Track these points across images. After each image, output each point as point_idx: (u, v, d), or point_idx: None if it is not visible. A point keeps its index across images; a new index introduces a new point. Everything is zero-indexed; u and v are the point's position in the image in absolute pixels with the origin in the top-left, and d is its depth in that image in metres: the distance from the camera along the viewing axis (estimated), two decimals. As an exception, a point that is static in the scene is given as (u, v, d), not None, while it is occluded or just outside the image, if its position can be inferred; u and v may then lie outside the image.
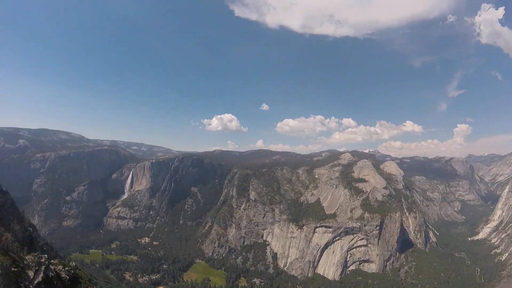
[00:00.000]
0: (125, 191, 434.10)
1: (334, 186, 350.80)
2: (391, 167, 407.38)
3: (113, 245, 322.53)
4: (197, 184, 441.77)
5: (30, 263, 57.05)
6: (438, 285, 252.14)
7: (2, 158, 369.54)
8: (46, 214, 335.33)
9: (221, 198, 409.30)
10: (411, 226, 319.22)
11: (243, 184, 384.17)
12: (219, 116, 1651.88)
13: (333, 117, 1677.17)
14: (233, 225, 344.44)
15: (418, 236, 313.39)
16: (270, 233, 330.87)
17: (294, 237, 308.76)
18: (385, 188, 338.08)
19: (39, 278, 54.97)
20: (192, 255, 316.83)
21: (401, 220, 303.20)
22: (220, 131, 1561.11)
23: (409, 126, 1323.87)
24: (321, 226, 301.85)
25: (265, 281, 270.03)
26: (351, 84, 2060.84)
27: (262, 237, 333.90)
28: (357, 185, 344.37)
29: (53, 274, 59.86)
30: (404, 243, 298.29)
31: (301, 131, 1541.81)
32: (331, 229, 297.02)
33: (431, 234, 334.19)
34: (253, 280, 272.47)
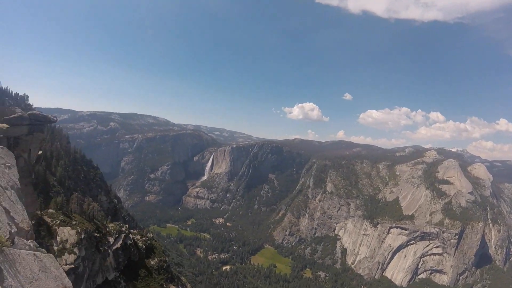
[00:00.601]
0: (205, 173, 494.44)
1: (416, 185, 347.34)
2: (479, 171, 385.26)
3: (189, 222, 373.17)
4: (274, 171, 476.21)
5: (112, 231, 72.51)
6: None
7: (95, 138, 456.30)
8: (131, 189, 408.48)
9: (297, 187, 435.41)
10: (493, 240, 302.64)
11: (320, 175, 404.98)
12: (300, 104, 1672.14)
13: (419, 110, 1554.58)
14: (306, 215, 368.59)
15: (499, 252, 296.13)
16: (343, 228, 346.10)
17: (366, 235, 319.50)
18: (471, 193, 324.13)
19: (118, 245, 70.69)
20: (262, 240, 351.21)
21: (484, 231, 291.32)
22: (300, 119, 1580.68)
23: (503, 124, 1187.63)
24: (397, 227, 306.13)
25: (330, 275, 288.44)
26: (440, 74, 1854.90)
27: (334, 230, 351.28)
28: (440, 186, 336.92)
29: (131, 242, 75.77)
30: (483, 258, 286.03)
31: (385, 124, 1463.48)
32: (406, 232, 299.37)
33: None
34: (318, 272, 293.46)
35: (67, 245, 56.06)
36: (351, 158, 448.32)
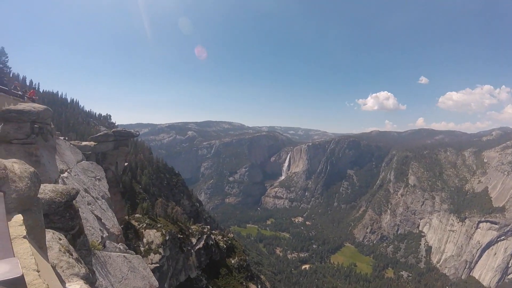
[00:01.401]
0: (283, 172, 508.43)
1: (506, 172, 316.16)
2: None
3: (268, 222, 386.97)
4: (353, 166, 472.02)
5: (194, 232, 78.20)
6: None
7: (174, 147, 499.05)
8: (211, 192, 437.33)
9: (377, 181, 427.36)
10: None
11: (401, 168, 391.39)
12: (374, 94, 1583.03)
13: (503, 86, 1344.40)
14: (388, 211, 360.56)
15: None
16: (427, 224, 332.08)
17: (453, 231, 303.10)
18: None
19: (200, 245, 76.19)
20: (343, 238, 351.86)
21: None
22: (376, 110, 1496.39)
23: None
24: (486, 221, 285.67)
25: (414, 275, 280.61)
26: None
27: (418, 227, 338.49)
28: None
29: (212, 242, 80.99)
30: None
31: (467, 105, 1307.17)
32: (497, 226, 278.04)
33: None
34: (401, 272, 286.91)
35: (153, 246, 62.48)
36: (433, 147, 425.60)
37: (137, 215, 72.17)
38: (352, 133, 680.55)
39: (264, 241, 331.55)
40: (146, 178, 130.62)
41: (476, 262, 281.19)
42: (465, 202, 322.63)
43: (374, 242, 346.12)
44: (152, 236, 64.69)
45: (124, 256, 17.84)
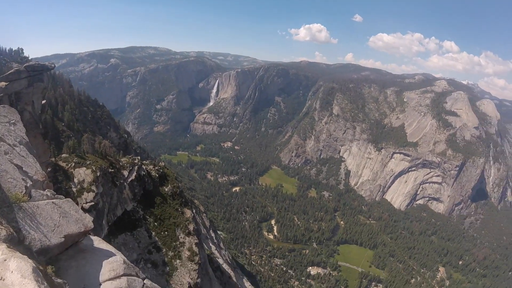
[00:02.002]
0: (211, 99, 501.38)
1: (422, 113, 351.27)
2: (488, 107, 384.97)
3: (198, 148, 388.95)
4: (281, 94, 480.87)
5: (125, 164, 75.07)
6: (496, 247, 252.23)
7: (96, 77, 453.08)
8: (139, 122, 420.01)
9: (303, 109, 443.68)
10: (491, 177, 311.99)
11: (327, 98, 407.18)
12: (307, 25, 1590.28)
13: (433, 37, 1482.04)
14: (312, 137, 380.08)
15: (495, 190, 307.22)
16: (348, 150, 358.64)
17: (370, 158, 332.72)
18: (476, 128, 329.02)
19: (133, 177, 73.95)
20: (270, 161, 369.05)
21: (484, 167, 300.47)
22: (307, 41, 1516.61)
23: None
24: (400, 153, 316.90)
25: (334, 195, 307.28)
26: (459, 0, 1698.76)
27: (339, 153, 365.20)
28: (446, 117, 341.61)
29: (144, 173, 78.74)
30: (479, 193, 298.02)
31: (395, 49, 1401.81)
32: (409, 158, 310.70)
33: (509, 193, 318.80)
34: (323, 192, 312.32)
35: (85, 185, 59.25)
36: (359, 82, 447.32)
37: (64, 155, 67.01)
38: (282, 61, 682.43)
39: (195, 167, 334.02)
40: (68, 114, 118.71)
41: (389, 187, 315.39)
42: (382, 134, 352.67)
43: (299, 165, 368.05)
44: (83, 174, 61.47)
45: (53, 202, 17.22)
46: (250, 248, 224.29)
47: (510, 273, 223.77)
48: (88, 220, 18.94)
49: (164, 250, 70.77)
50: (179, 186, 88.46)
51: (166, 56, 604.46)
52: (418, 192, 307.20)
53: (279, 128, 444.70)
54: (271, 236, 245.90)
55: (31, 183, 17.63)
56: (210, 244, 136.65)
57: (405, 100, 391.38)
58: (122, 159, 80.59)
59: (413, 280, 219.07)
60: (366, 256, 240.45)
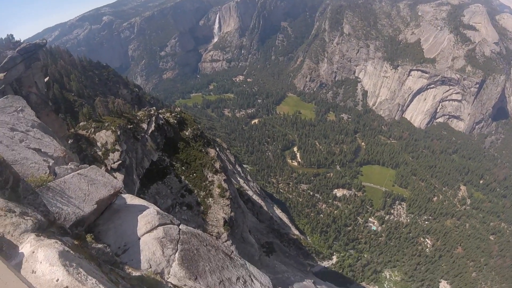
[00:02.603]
0: (215, 35, 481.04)
1: (439, 28, 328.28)
2: (508, 21, 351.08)
3: (211, 87, 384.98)
4: (286, 18, 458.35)
5: (142, 117, 75.20)
6: None
7: (93, 39, 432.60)
8: (146, 73, 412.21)
9: (312, 32, 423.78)
10: None
11: (336, 17, 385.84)
12: None
13: None
14: (325, 59, 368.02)
15: None
16: (363, 70, 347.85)
17: (387, 77, 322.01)
18: (497, 43, 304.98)
19: (152, 128, 74.53)
20: (284, 89, 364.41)
21: (505, 85, 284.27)
22: None
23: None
24: (417, 70, 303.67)
25: (353, 117, 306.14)
26: None
27: (354, 73, 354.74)
28: (465, 32, 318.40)
29: (162, 122, 79.12)
30: (500, 112, 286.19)
31: None
32: (427, 75, 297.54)
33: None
34: (341, 115, 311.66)
35: (109, 146, 60.57)
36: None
37: (81, 124, 67.31)
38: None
39: (211, 106, 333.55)
40: (75, 83, 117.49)
41: (408, 105, 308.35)
42: (398, 51, 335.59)
43: (314, 89, 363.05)
44: (104, 137, 62.44)
45: (78, 173, 17.58)
46: (277, 177, 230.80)
47: None
48: (116, 181, 20.06)
49: (195, 191, 73.90)
50: (198, 128, 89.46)
51: (159, 0, 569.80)
52: (437, 110, 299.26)
53: (290, 54, 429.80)
54: (295, 163, 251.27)
55: (53, 161, 18.00)
56: (238, 178, 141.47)
57: (419, 14, 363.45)
58: (138, 113, 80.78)
59: (435, 198, 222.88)
60: (388, 176, 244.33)
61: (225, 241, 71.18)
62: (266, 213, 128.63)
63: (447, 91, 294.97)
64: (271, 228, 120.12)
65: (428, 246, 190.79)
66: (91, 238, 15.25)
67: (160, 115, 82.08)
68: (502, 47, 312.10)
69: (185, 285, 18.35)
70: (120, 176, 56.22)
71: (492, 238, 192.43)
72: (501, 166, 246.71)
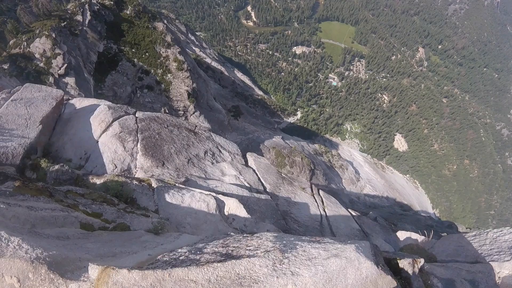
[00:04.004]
0: None
1: None
2: None
3: None
4: None
5: (74, 10, 67.95)
6: (476, 41, 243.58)
7: None
8: None
9: None
10: None
11: None
12: None
13: None
14: None
15: None
16: None
17: None
18: None
19: (88, 17, 67.62)
20: None
21: None
22: None
23: None
24: None
25: None
26: None
27: None
28: None
29: (98, 7, 72.13)
30: None
31: None
32: None
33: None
34: None
35: (48, 53, 55.90)
36: None
37: (11, 42, 58.64)
38: None
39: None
40: None
41: None
42: None
43: None
44: (40, 46, 56.33)
45: (11, 100, 16.94)
46: (233, 40, 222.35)
47: (485, 68, 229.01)
48: (55, 91, 19.28)
49: (152, 70, 71.23)
50: (139, 3, 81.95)
51: None
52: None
53: None
54: (251, 23, 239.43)
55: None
56: (193, 48, 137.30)
57: None
58: (68, 7, 71.70)
59: (393, 57, 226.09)
60: (348, 33, 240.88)
61: (193, 113, 73.47)
62: (227, 78, 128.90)
63: None
64: (235, 92, 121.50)
65: (385, 102, 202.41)
66: (46, 163, 14.53)
67: (92, 0, 73.72)
68: None
69: (152, 175, 18.89)
70: (71, 80, 52.97)
71: (445, 101, 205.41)
72: (461, 36, 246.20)
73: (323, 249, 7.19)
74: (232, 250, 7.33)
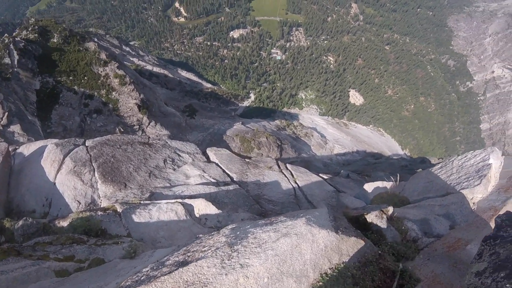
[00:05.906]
0: None
1: None
2: None
3: None
4: None
5: (0, 53, 64.14)
6: None
7: None
8: None
9: None
10: None
11: None
12: None
13: None
14: None
15: None
16: None
17: None
18: None
19: (16, 57, 64.45)
20: None
21: None
22: None
23: None
24: None
25: None
26: None
27: None
28: None
29: (23, 43, 68.68)
30: None
31: None
32: None
33: None
34: None
35: None
36: None
37: None
38: None
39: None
40: None
41: None
42: None
43: None
44: None
45: None
46: (169, 40, 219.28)
47: (418, 9, 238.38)
48: None
49: (95, 93, 69.99)
50: (64, 28, 79.23)
51: None
52: None
53: None
54: (182, 19, 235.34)
55: None
56: (131, 59, 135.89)
57: None
58: None
59: (329, 19, 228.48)
60: (280, 5, 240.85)
61: (149, 124, 72.89)
62: (173, 80, 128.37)
63: None
64: (184, 91, 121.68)
65: (332, 63, 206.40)
66: (9, 222, 14.59)
67: (16, 38, 70.55)
68: None
69: (116, 200, 18.86)
70: (16, 127, 50.94)
71: (388, 48, 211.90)
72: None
73: (273, 231, 7.35)
74: (189, 256, 7.35)
